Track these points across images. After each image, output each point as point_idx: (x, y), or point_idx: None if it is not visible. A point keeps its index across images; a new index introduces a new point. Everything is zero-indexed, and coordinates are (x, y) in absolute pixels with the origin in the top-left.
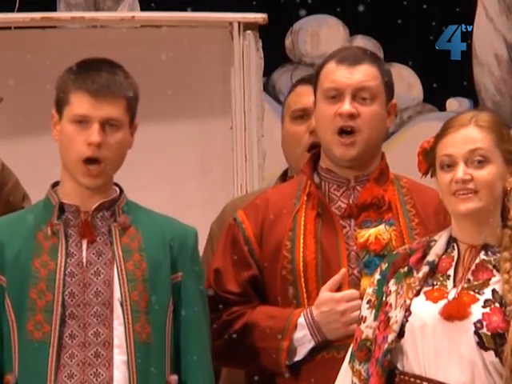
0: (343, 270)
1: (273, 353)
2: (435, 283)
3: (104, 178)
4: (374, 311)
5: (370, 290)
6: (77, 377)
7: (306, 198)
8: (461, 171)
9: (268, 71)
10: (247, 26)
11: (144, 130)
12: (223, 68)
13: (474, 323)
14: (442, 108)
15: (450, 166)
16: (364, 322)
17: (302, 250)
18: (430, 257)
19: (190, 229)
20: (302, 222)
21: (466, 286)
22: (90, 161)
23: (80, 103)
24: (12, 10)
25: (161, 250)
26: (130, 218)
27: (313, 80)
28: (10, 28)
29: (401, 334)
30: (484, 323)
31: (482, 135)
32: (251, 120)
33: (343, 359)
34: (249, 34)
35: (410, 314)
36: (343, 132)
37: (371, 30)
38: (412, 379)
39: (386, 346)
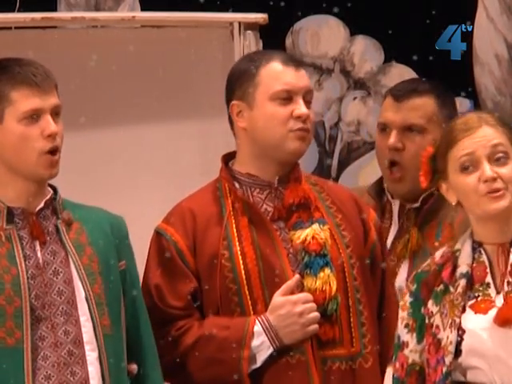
0: (297, 276)
1: (233, 363)
2: (477, 295)
3: (58, 167)
4: (415, 334)
5: (404, 314)
6: (54, 378)
7: (231, 204)
8: (488, 169)
9: None
10: (248, 26)
11: (144, 131)
12: (224, 68)
13: None
14: None
15: (471, 166)
16: (407, 347)
17: (241, 257)
18: (463, 268)
19: (120, 217)
20: (235, 230)
21: (509, 289)
22: (50, 152)
23: (27, 99)
24: (12, 10)
25: (106, 240)
26: (71, 214)
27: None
28: (10, 28)
29: (456, 353)
30: None
31: (498, 133)
32: None
33: (298, 364)
34: (249, 34)
35: (464, 332)
36: (302, 131)
37: (372, 30)
38: None
39: (445, 369)
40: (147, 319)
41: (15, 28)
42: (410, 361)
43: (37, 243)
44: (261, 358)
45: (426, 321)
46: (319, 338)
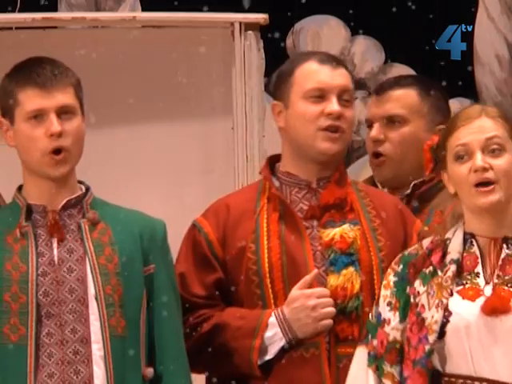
0: (315, 271)
1: (244, 352)
2: (465, 282)
3: (69, 166)
4: (397, 313)
5: (387, 292)
6: (57, 376)
7: (266, 201)
8: (479, 159)
9: (269, 71)
10: (248, 26)
11: (145, 131)
12: (224, 68)
13: None
14: None
15: (465, 156)
16: (388, 325)
17: (266, 251)
18: (453, 255)
19: (158, 221)
20: (265, 224)
21: (498, 281)
22: (54, 152)
23: (31, 99)
24: (13, 11)
25: (131, 243)
26: (98, 214)
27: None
28: (10, 28)
29: (441, 334)
30: None
31: (496, 125)
32: (252, 120)
33: (312, 358)
34: (250, 34)
35: (451, 314)
36: (331, 129)
37: (372, 31)
38: (460, 380)
39: (428, 346)
40: (176, 327)
41: (16, 28)
42: (390, 338)
43: (54, 240)
44: (273, 350)
45: (412, 300)
46: (337, 335)
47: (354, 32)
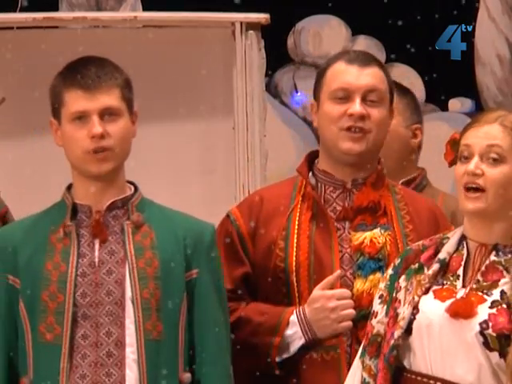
0: (338, 272)
1: (264, 348)
2: (445, 282)
3: (113, 164)
4: (385, 307)
5: (382, 285)
6: (89, 377)
7: (301, 199)
8: (473, 164)
9: (270, 71)
10: (249, 26)
11: (146, 131)
12: (225, 68)
13: (480, 323)
14: (444, 108)
15: (467, 157)
16: (375, 317)
17: (295, 249)
18: (442, 254)
19: (207, 225)
20: (297, 222)
21: (474, 286)
22: (96, 152)
23: (74, 100)
24: (14, 10)
25: (174, 247)
26: (144, 216)
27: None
28: (12, 28)
29: (408, 330)
30: (490, 324)
31: (503, 135)
32: (253, 120)
33: (332, 361)
34: (251, 34)
35: (418, 311)
36: (351, 131)
37: (373, 31)
38: (419, 378)
39: (392, 342)
40: (218, 332)
41: (17, 28)
42: (374, 331)
43: (96, 242)
44: (292, 348)
45: (394, 294)
46: (359, 339)
47: (355, 32)
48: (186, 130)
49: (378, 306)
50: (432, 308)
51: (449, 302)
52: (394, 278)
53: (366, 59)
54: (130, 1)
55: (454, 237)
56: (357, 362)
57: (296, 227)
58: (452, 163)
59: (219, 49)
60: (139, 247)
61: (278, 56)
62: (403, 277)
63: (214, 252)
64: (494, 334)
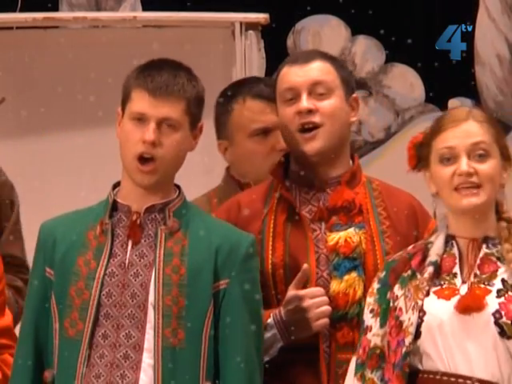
0: (305, 266)
1: None
2: (443, 283)
3: (157, 177)
4: (378, 319)
5: (371, 300)
6: (103, 377)
7: (276, 201)
8: (465, 164)
9: (270, 71)
10: (249, 26)
11: None
12: (225, 68)
13: (493, 314)
14: (444, 108)
15: (451, 159)
16: (370, 331)
17: (270, 252)
18: (432, 257)
19: (246, 236)
20: (272, 225)
21: (475, 280)
22: (143, 159)
23: (139, 101)
24: (14, 10)
25: (205, 256)
26: (181, 222)
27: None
28: (12, 28)
29: (417, 335)
30: (502, 312)
31: (483, 130)
32: None
33: (311, 362)
34: (251, 34)
35: (425, 313)
36: (305, 130)
37: (373, 31)
38: (438, 377)
39: (405, 349)
40: (242, 346)
41: (17, 28)
42: (371, 344)
43: (130, 243)
44: (271, 351)
45: (391, 304)
46: (337, 341)
47: (355, 32)
48: None
49: (370, 320)
50: (439, 308)
51: (454, 299)
52: (383, 291)
53: (308, 56)
54: (130, 1)
55: (438, 239)
56: (351, 381)
57: (271, 230)
58: (415, 168)
59: (219, 49)
60: (169, 253)
61: (277, 56)
62: (397, 286)
63: (250, 263)
64: (509, 322)
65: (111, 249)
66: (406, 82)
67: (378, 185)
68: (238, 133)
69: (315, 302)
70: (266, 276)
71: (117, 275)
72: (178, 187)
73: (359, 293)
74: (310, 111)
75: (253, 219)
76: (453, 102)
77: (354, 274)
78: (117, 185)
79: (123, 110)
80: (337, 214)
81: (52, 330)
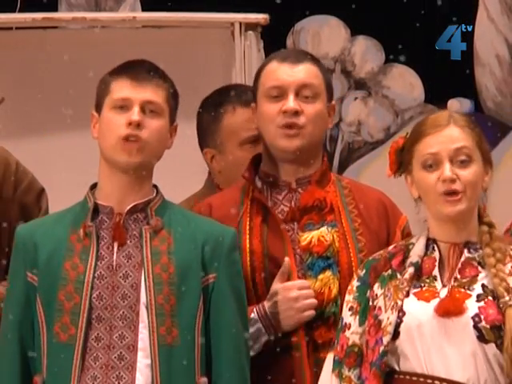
0: (287, 259)
1: None
2: (423, 285)
3: (142, 158)
4: (357, 317)
5: (350, 298)
6: (99, 379)
7: (249, 203)
8: (448, 170)
9: None
10: (249, 26)
11: None
12: (224, 68)
13: (472, 317)
14: (444, 108)
15: (433, 165)
16: (348, 329)
17: (249, 255)
18: (413, 258)
19: (228, 229)
20: (248, 227)
21: (455, 284)
22: (128, 140)
23: (120, 88)
24: (13, 11)
25: (192, 252)
26: (163, 220)
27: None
28: (11, 28)
29: (395, 335)
30: (482, 317)
31: (465, 135)
32: None
33: (304, 358)
34: (250, 34)
35: (404, 314)
36: (287, 127)
37: (372, 31)
38: (414, 378)
39: (382, 348)
40: (234, 338)
41: (16, 28)
42: (350, 342)
43: (115, 244)
44: (256, 346)
45: (370, 303)
46: (315, 340)
47: (354, 32)
48: (185, 130)
49: (349, 318)
50: (418, 309)
51: (434, 301)
52: (363, 289)
53: (298, 56)
54: (129, 1)
55: (419, 241)
56: (327, 377)
57: (248, 232)
58: (396, 173)
59: (218, 49)
60: (156, 252)
61: None
62: (377, 284)
63: (234, 256)
64: (488, 326)
65: (97, 251)
66: (405, 83)
67: (348, 183)
68: (228, 141)
69: (303, 293)
70: (245, 278)
71: (105, 277)
72: (155, 186)
73: (334, 291)
74: (296, 112)
75: (227, 221)
76: (452, 103)
77: (328, 273)
78: (93, 186)
79: (99, 109)
80: (308, 213)
81: (39, 334)
